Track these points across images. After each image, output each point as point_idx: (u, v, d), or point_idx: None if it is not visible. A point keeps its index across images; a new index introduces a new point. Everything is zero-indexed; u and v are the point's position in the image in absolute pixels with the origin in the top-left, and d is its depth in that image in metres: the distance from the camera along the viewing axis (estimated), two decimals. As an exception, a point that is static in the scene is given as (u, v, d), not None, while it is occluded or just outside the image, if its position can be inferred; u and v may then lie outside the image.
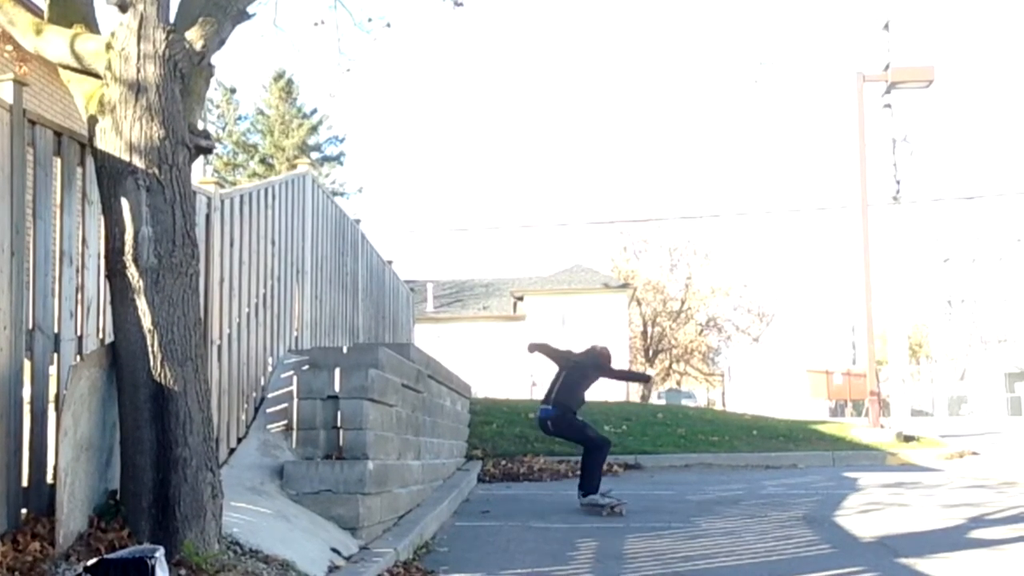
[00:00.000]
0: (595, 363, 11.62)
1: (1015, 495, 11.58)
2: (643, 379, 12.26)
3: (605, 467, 15.35)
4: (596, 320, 46.89)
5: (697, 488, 12.83)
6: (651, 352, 56.83)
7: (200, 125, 6.05)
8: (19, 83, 5.35)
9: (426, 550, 8.03)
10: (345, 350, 9.22)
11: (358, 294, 13.47)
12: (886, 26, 23.39)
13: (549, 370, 11.53)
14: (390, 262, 16.71)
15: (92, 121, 5.47)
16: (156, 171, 5.33)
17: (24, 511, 5.26)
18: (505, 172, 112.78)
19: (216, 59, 6.08)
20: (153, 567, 4.35)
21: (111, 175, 5.36)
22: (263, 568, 5.61)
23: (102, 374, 5.41)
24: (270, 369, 8.97)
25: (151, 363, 5.29)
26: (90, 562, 4.42)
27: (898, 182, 23.13)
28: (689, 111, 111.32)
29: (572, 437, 11.53)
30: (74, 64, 5.65)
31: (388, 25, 11.02)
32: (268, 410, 8.43)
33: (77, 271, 5.79)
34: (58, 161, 5.70)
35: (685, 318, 57.87)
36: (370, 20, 11.77)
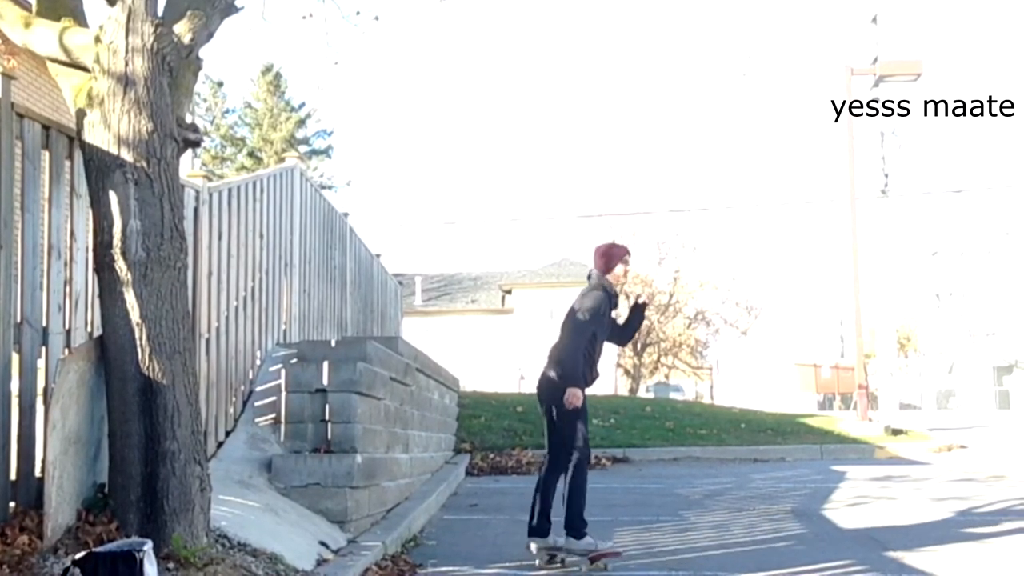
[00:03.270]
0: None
1: (1003, 489, 11.63)
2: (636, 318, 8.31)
3: (593, 460, 15.42)
4: (585, 313, 46.71)
5: (685, 482, 12.86)
6: (639, 345, 56.68)
7: (188, 118, 6.04)
8: (7, 77, 5.34)
9: (414, 543, 8.04)
10: (333, 343, 9.22)
11: (346, 287, 13.46)
12: (874, 19, 23.43)
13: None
14: (378, 255, 16.72)
15: (80, 115, 5.46)
16: (144, 164, 5.33)
17: (12, 505, 5.25)
18: (493, 165, 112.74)
19: (204, 52, 6.07)
20: (141, 560, 4.35)
21: (99, 168, 5.35)
22: (251, 561, 5.61)
23: (90, 367, 5.40)
24: (258, 362, 8.97)
25: (139, 356, 5.29)
26: (78, 555, 4.43)
27: (886, 175, 23.19)
28: (677, 104, 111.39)
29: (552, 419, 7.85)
30: (62, 57, 5.64)
31: (376, 18, 11.09)
32: (256, 403, 8.43)
33: (65, 264, 5.78)
34: (46, 155, 5.69)
35: (673, 311, 57.75)
36: (358, 14, 11.74)
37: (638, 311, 8.16)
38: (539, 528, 7.55)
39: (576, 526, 7.42)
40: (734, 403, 32.61)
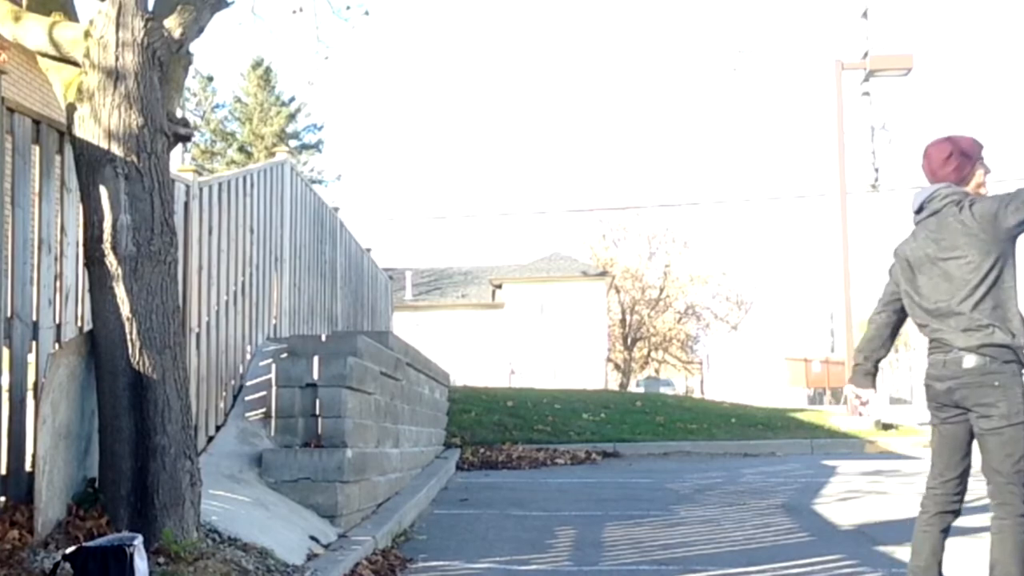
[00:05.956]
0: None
1: (992, 483, 11.63)
2: None
3: (583, 455, 15.39)
4: (575, 308, 46.95)
5: (676, 476, 12.87)
6: (629, 340, 56.84)
7: (178, 113, 6.05)
8: (-3, 71, 5.33)
9: (405, 538, 8.04)
10: (324, 338, 9.22)
11: (336, 282, 13.46)
12: (864, 14, 23.48)
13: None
14: (369, 250, 16.70)
15: (71, 109, 5.46)
16: (135, 159, 5.33)
17: (2, 499, 5.25)
18: (483, 160, 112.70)
19: (194, 47, 6.07)
20: (131, 555, 4.36)
21: (90, 163, 5.35)
22: (241, 556, 5.61)
23: (81, 362, 5.40)
24: (249, 357, 8.97)
25: (130, 351, 5.29)
26: (69, 550, 4.43)
27: (876, 170, 23.25)
28: (668, 98, 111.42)
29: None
30: (53, 52, 5.63)
31: (366, 13, 11.09)
32: (247, 398, 8.43)
33: (56, 259, 5.77)
34: (37, 149, 5.68)
35: (664, 306, 57.87)
36: (348, 8, 11.78)
37: None
38: None
39: None
40: (724, 398, 32.61)
